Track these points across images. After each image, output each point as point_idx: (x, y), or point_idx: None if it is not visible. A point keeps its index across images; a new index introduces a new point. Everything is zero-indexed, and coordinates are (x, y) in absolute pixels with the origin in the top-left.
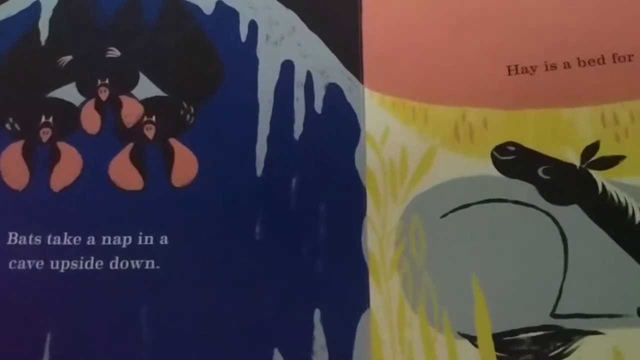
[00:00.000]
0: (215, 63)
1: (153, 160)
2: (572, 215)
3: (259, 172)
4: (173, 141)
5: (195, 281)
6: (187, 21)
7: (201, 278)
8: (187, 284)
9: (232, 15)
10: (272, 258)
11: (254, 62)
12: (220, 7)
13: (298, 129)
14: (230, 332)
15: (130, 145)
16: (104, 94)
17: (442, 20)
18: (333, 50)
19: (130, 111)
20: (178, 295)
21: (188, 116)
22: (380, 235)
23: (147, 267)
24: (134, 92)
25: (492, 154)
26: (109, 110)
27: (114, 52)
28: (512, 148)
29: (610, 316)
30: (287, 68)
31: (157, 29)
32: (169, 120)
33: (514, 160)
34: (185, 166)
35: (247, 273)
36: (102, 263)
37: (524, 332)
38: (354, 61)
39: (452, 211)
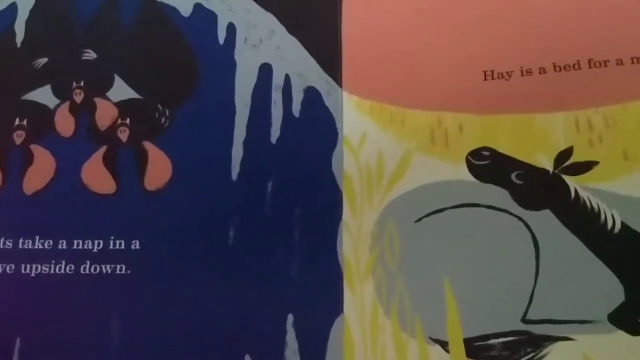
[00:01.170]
0: (192, 66)
1: (126, 164)
2: (545, 221)
3: (234, 176)
4: (147, 144)
5: (167, 286)
6: (164, 23)
7: (172, 283)
8: (158, 289)
9: (210, 17)
10: (245, 263)
11: (232, 65)
12: (198, 9)
13: (275, 132)
14: (202, 337)
15: (103, 148)
16: (78, 97)
17: (420, 26)
18: (312, 54)
19: (104, 114)
20: (149, 300)
21: (163, 119)
22: (356, 239)
23: (117, 271)
24: (108, 94)
25: (466, 158)
26: (83, 113)
27: (90, 55)
28: (486, 153)
29: (581, 322)
30: (265, 71)
31: (134, 31)
32: (144, 123)
33: (488, 165)
34: (158, 170)
35: (220, 278)
36: (73, 267)
37: (494, 338)
38: (333, 65)
39: (427, 216)
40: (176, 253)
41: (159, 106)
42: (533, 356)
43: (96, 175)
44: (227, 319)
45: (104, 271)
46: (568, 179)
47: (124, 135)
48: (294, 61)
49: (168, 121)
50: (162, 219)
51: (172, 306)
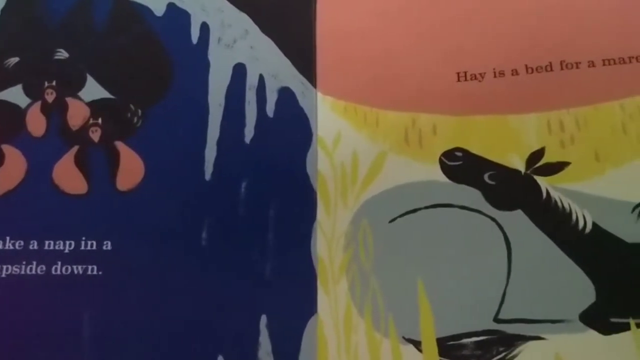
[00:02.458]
0: (165, 65)
1: (98, 164)
2: (517, 221)
3: (207, 176)
4: (119, 144)
5: (139, 287)
6: (137, 23)
7: (144, 284)
8: (130, 290)
9: (183, 17)
10: (219, 263)
11: (205, 64)
12: (171, 8)
13: (249, 132)
14: (174, 338)
15: (75, 148)
16: (50, 96)
17: (394, 27)
18: (286, 54)
19: (76, 113)
20: (121, 301)
21: (135, 119)
22: (330, 239)
23: (89, 272)
24: (80, 94)
25: (440, 159)
26: (55, 112)
27: (62, 54)
28: (459, 154)
29: (553, 321)
30: (239, 71)
31: (107, 30)
32: (116, 123)
33: (461, 165)
34: (130, 170)
35: (192, 279)
36: (44, 268)
37: (467, 337)
38: (307, 65)
39: (400, 216)
40: (148, 254)
41: (131, 106)
42: (505, 355)
43: (68, 176)
44: (200, 319)
45: (76, 272)
46: (540, 179)
47: (95, 135)
48: (268, 61)
49: (140, 121)
50: (134, 219)
51: (144, 307)
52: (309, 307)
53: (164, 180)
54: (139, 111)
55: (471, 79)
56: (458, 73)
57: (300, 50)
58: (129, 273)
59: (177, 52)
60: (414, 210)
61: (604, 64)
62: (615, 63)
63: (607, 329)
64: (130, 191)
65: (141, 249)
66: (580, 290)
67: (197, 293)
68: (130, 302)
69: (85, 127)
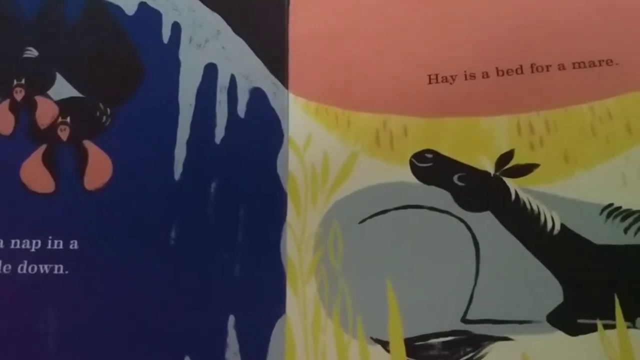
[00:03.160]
0: (135, 64)
1: (66, 163)
2: (485, 222)
3: (176, 176)
4: (87, 143)
5: (105, 287)
6: (108, 22)
7: (111, 284)
8: (97, 290)
9: (154, 16)
10: (187, 264)
11: (176, 64)
12: (143, 8)
13: (220, 132)
14: (141, 338)
15: (43, 147)
16: (19, 95)
17: (366, 29)
18: (258, 55)
19: (45, 112)
20: (87, 301)
21: (104, 118)
22: (300, 240)
23: (55, 272)
24: (50, 92)
25: (410, 161)
26: (24, 111)
27: (32, 52)
28: (429, 155)
29: (520, 322)
30: (210, 71)
31: (77, 29)
32: (84, 122)
33: (431, 167)
34: (98, 169)
35: (160, 279)
36: (10, 267)
37: (435, 337)
38: (280, 66)
39: (370, 217)
40: (116, 253)
41: (101, 105)
42: (472, 356)
43: (35, 174)
44: (167, 320)
45: (42, 271)
46: (509, 181)
47: (64, 134)
48: (240, 62)
49: (109, 120)
50: (101, 218)
51: (111, 307)
52: (277, 308)
53: (132, 179)
54: (108, 110)
55: (442, 82)
56: (429, 75)
57: (273, 51)
58: (96, 273)
59: (147, 51)
60: (384, 212)
61: (574, 67)
62: (585, 66)
63: (574, 330)
64: (98, 190)
65: (108, 248)
66: (548, 291)
67: (165, 293)
68: (96, 302)
69: (53, 126)
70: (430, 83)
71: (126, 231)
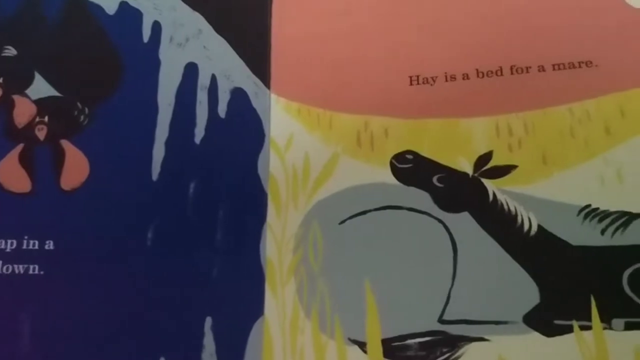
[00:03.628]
0: (114, 64)
1: (42, 162)
2: (463, 223)
3: (154, 177)
4: (64, 143)
5: (81, 287)
6: (88, 21)
7: (87, 284)
8: (73, 290)
9: (135, 15)
10: (164, 265)
11: (156, 63)
12: (123, 7)
13: (199, 132)
14: (117, 339)
15: (20, 146)
16: None
17: (348, 31)
18: (240, 55)
19: (23, 111)
20: (63, 301)
21: (82, 117)
22: (279, 241)
23: (31, 272)
24: (28, 92)
25: (391, 162)
26: (1, 110)
27: (10, 51)
28: (409, 156)
29: (496, 323)
30: (191, 71)
31: (57, 28)
32: (62, 122)
33: (411, 168)
34: (75, 168)
35: (137, 280)
36: None
37: (412, 338)
38: (262, 66)
39: (350, 218)
40: (92, 254)
41: (79, 104)
42: (449, 356)
43: (11, 174)
44: (143, 320)
45: (17, 271)
46: (487, 182)
47: (41, 133)
48: (221, 61)
49: (87, 119)
50: (78, 218)
51: (86, 307)
52: (255, 309)
53: (109, 179)
54: (87, 109)
55: (423, 83)
56: (411, 77)
57: (255, 51)
58: (72, 273)
59: (127, 50)
60: (364, 212)
61: (554, 69)
62: (565, 68)
63: (551, 331)
64: (74, 190)
65: (84, 249)
66: (525, 292)
67: (141, 294)
68: (72, 302)
69: (31, 125)
70: (411, 84)
71: (103, 231)
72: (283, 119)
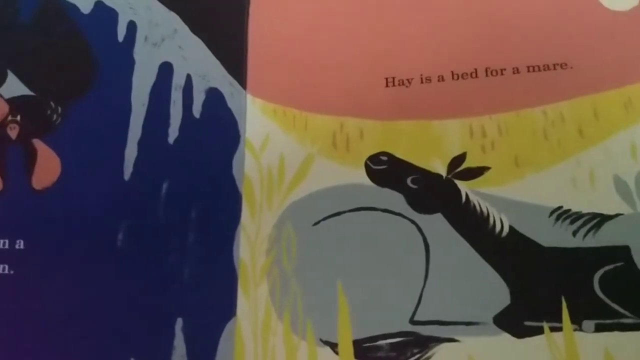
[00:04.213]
0: (88, 63)
1: (14, 162)
2: (436, 224)
3: (126, 176)
4: (36, 142)
5: (51, 287)
6: (62, 20)
7: (57, 284)
8: (42, 290)
9: (110, 15)
10: (135, 265)
11: (130, 63)
12: (99, 7)
13: (173, 133)
14: (86, 339)
15: None
16: None
17: (325, 31)
18: (216, 55)
19: None
20: (32, 301)
21: (55, 116)
22: (253, 242)
23: (0, 271)
24: (0, 90)
25: (365, 163)
26: None
27: None
28: (384, 158)
29: (467, 324)
30: (166, 70)
31: (31, 27)
32: (34, 121)
33: (386, 169)
34: (47, 168)
35: (107, 280)
36: None
37: (383, 339)
38: (238, 67)
39: (324, 219)
40: (62, 254)
41: (52, 103)
42: (419, 357)
43: None
44: (113, 321)
45: None
46: (460, 183)
47: (13, 132)
48: (196, 61)
49: (60, 119)
50: (49, 218)
51: (56, 308)
52: (228, 311)
53: (81, 179)
54: (60, 109)
55: (399, 85)
56: (387, 78)
57: (231, 51)
58: (42, 273)
59: (101, 50)
60: (338, 214)
61: (528, 71)
62: (540, 70)
63: (521, 332)
64: (46, 189)
65: (55, 248)
66: (496, 293)
67: (111, 294)
68: (42, 303)
69: (3, 124)
70: (387, 86)
71: (73, 231)
72: (259, 120)
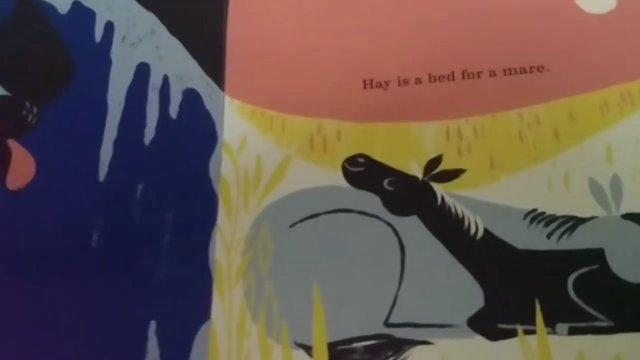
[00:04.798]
0: (65, 63)
1: None
2: (412, 226)
3: (101, 177)
4: (11, 142)
5: (22, 288)
6: (39, 20)
7: (29, 285)
8: (14, 291)
9: (88, 15)
10: (109, 267)
11: (107, 63)
12: (76, 7)
13: (149, 133)
14: (58, 341)
15: None
16: None
17: (303, 34)
18: (194, 56)
19: None
20: (3, 302)
21: (30, 117)
22: (229, 244)
23: None
24: None
25: (342, 165)
26: None
27: None
28: (361, 160)
29: (441, 326)
30: (143, 71)
31: (6, 26)
32: (9, 121)
33: (362, 171)
34: (21, 169)
35: (80, 282)
36: None
37: (357, 341)
38: (216, 68)
39: (301, 221)
40: (36, 254)
41: (27, 104)
42: None
43: None
44: (86, 323)
45: None
46: (436, 186)
47: None
48: (174, 62)
49: (35, 119)
50: (22, 219)
51: (28, 309)
52: (202, 313)
53: (56, 180)
54: (35, 109)
55: (377, 87)
56: (365, 80)
57: (209, 52)
58: (15, 273)
59: (78, 50)
60: (315, 215)
61: (505, 74)
62: (516, 72)
63: (495, 335)
64: (20, 190)
65: (29, 249)
66: (470, 295)
67: (84, 296)
68: (12, 304)
69: None
70: (365, 88)
71: (47, 232)
72: (236, 121)
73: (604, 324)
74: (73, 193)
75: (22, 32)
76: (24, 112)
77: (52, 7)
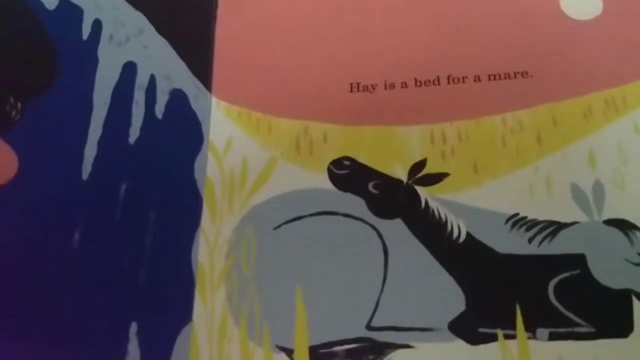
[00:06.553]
0: (51, 60)
1: None
2: (395, 229)
3: (85, 176)
4: None
5: (4, 288)
6: (25, 15)
7: (10, 284)
8: None
9: (76, 12)
10: (90, 267)
11: (94, 61)
12: (64, 4)
13: (134, 133)
14: (38, 341)
15: None
16: None
17: (291, 37)
18: (181, 56)
19: None
20: None
21: (14, 112)
22: (212, 246)
23: None
24: None
25: (328, 167)
26: None
27: None
28: (347, 163)
29: (422, 330)
30: (129, 70)
31: None
32: None
33: (348, 174)
34: (3, 165)
35: (60, 282)
36: None
37: (339, 345)
38: (203, 68)
39: (285, 223)
40: (16, 252)
41: (11, 99)
42: None
43: None
44: (66, 323)
45: None
46: (420, 189)
47: None
48: (161, 62)
49: (19, 115)
50: (3, 216)
51: (8, 309)
52: (184, 315)
53: (38, 177)
54: (19, 105)
55: (363, 90)
56: (351, 84)
57: (197, 53)
58: None
59: (65, 47)
60: (299, 218)
61: (489, 79)
62: (500, 78)
63: (475, 339)
64: (1, 187)
65: (7, 248)
66: (451, 299)
67: (64, 296)
68: None
69: None
70: (351, 91)
71: (28, 230)
72: (223, 123)
73: (584, 330)
74: (55, 191)
75: (8, 27)
76: (8, 108)
77: (39, 3)
